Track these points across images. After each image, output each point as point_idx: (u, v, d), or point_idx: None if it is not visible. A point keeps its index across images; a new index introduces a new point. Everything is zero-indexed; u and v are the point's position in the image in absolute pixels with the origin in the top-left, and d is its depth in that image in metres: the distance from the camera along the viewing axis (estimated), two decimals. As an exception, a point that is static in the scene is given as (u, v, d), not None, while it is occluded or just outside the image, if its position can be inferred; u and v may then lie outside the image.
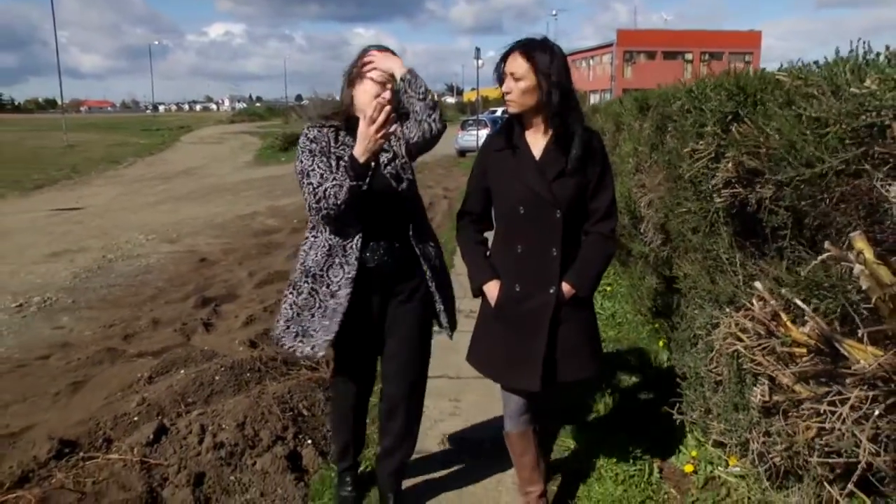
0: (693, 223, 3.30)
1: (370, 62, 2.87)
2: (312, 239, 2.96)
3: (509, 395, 2.95)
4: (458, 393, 4.51)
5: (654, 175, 4.12)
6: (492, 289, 2.87)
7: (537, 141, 2.76)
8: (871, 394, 1.88)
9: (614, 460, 3.50)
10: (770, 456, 2.40)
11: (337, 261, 2.90)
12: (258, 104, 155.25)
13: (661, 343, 4.84)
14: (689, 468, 3.39)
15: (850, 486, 1.84)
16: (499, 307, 2.86)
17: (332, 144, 2.89)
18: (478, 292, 2.95)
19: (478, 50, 25.62)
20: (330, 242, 2.90)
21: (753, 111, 2.58)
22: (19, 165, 24.78)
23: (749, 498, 3.05)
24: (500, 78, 2.73)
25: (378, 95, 2.82)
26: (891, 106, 1.56)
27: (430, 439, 3.93)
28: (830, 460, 1.99)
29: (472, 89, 56.41)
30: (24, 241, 10.62)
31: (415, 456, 3.44)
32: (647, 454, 3.55)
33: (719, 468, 3.30)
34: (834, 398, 1.97)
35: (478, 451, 3.82)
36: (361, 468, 3.50)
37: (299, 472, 3.60)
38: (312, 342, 2.95)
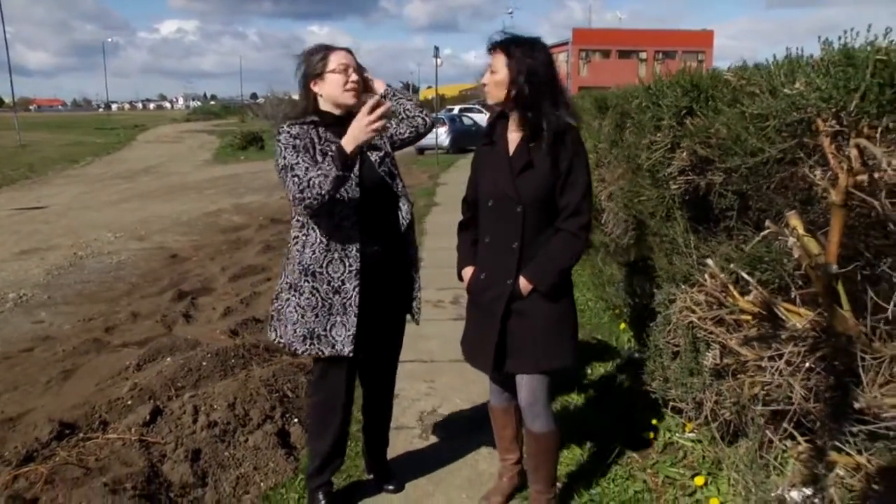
0: (651, 209, 3.61)
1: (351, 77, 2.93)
2: (304, 237, 2.94)
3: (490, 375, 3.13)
4: (432, 375, 4.78)
5: (615, 169, 4.44)
6: (466, 274, 3.03)
7: (515, 136, 2.82)
8: (802, 349, 2.20)
9: (582, 430, 3.80)
10: (721, 413, 2.71)
11: (336, 255, 2.90)
12: (213, 102, 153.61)
13: (622, 326, 5.17)
14: (650, 435, 3.71)
15: (785, 424, 2.15)
16: (469, 292, 3.03)
17: (317, 142, 2.90)
18: (460, 276, 3.10)
19: (437, 49, 25.80)
20: (327, 237, 2.90)
21: (706, 106, 2.89)
22: (-28, 165, 24.43)
23: (704, 457, 3.39)
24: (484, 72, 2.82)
25: (346, 83, 2.92)
26: (814, 104, 1.86)
27: (407, 416, 4.19)
28: (770, 408, 2.30)
29: (429, 87, 56.50)
30: (-10, 240, 10.64)
31: (395, 431, 3.71)
32: (611, 424, 3.86)
33: (677, 434, 3.63)
34: (773, 354, 2.29)
35: (453, 426, 4.10)
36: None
37: (288, 447, 3.84)
38: (331, 342, 2.95)
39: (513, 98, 2.72)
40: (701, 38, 61.09)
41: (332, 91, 2.93)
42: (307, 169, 2.77)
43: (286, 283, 3.02)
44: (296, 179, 2.75)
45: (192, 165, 25.61)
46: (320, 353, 2.99)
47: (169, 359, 4.86)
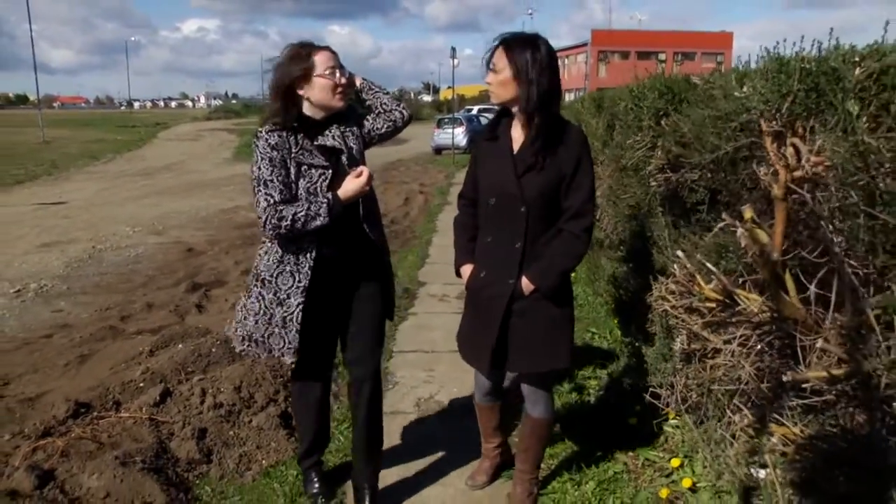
0: (635, 205, 3.80)
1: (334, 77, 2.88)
2: (269, 244, 2.95)
3: (478, 375, 3.22)
4: (432, 364, 4.98)
5: (606, 167, 4.63)
6: (465, 271, 3.03)
7: (519, 134, 2.81)
8: (755, 333, 2.38)
9: (571, 418, 3.98)
10: (689, 394, 2.90)
11: (287, 269, 2.90)
12: (234, 101, 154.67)
13: (615, 321, 5.34)
14: (633, 420, 3.89)
15: (736, 400, 2.33)
16: (468, 289, 3.04)
17: (293, 150, 2.85)
18: (457, 272, 3.10)
19: (454, 49, 26.04)
20: (282, 249, 2.90)
21: (679, 108, 3.08)
22: (-4, 161, 24.90)
23: (683, 441, 3.57)
24: (487, 69, 2.78)
25: (336, 87, 2.87)
26: (756, 107, 2.05)
27: (406, 402, 4.40)
28: (726, 388, 2.48)
29: (449, 87, 56.62)
30: (13, 233, 10.96)
31: (392, 416, 3.92)
32: (599, 412, 4.05)
33: (658, 420, 3.81)
34: (729, 338, 2.47)
35: (448, 410, 4.30)
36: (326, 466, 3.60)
37: (290, 428, 4.03)
38: (268, 347, 2.99)
39: (517, 97, 2.70)
40: (720, 40, 61.10)
41: (321, 95, 2.87)
42: (282, 191, 2.78)
43: (246, 282, 3.09)
44: (269, 199, 2.76)
45: (211, 163, 25.94)
46: (256, 356, 3.08)
47: (180, 345, 5.09)
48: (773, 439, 2.09)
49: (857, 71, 1.72)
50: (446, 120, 29.08)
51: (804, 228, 2.18)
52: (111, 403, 4.19)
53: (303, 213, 2.76)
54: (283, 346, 2.96)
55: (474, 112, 37.35)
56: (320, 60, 2.84)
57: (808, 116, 1.88)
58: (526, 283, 2.83)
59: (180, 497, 3.32)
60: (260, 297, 2.95)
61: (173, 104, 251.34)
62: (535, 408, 3.09)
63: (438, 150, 27.57)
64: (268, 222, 2.76)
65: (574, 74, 62.80)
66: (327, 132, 2.94)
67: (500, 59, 2.71)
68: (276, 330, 2.95)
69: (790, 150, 2.05)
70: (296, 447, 3.84)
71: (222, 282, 7.58)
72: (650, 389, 3.61)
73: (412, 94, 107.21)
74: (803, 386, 2.05)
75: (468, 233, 3.08)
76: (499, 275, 2.87)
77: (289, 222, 2.75)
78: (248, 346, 3.05)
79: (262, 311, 2.95)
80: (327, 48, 2.92)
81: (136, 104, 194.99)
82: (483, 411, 3.38)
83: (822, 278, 2.16)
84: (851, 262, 1.88)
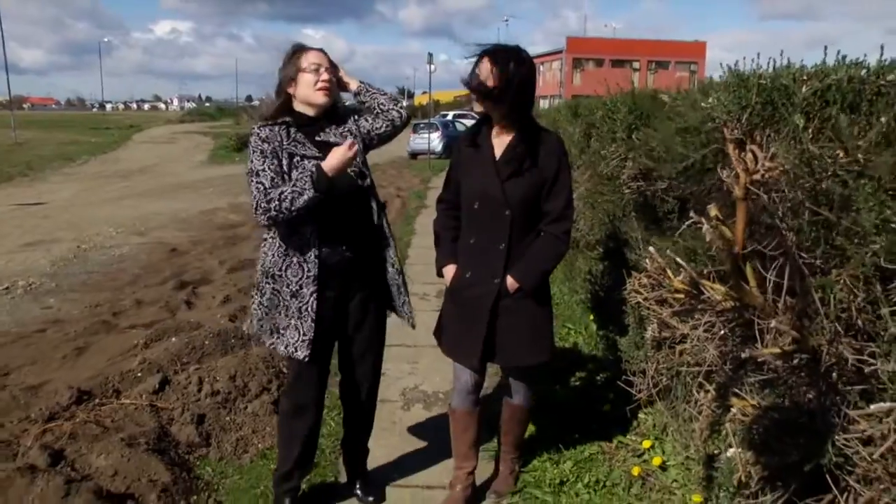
0: (611, 210, 4.08)
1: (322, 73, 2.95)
2: (270, 240, 2.99)
3: (459, 374, 3.21)
4: (416, 357, 5.23)
5: (583, 173, 4.92)
6: (448, 272, 3.13)
7: (501, 141, 2.94)
8: (719, 319, 2.65)
9: (549, 406, 4.25)
10: (660, 379, 3.17)
11: (294, 260, 2.93)
12: (208, 104, 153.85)
13: (591, 316, 5.62)
14: (607, 407, 4.16)
15: (700, 379, 2.60)
16: (452, 289, 3.14)
17: (285, 142, 2.92)
18: (440, 273, 3.20)
19: (430, 55, 26.29)
20: (286, 242, 2.93)
21: (648, 123, 3.36)
22: (-31, 162, 24.76)
23: (654, 425, 3.84)
24: (471, 77, 2.86)
25: (316, 82, 2.92)
26: (720, 116, 2.32)
27: (392, 391, 4.65)
28: (693, 369, 2.75)
29: (424, 93, 56.82)
30: (-5, 232, 11.05)
31: (380, 404, 4.12)
32: (575, 400, 4.32)
33: (631, 406, 4.08)
34: (695, 324, 2.74)
35: (432, 399, 4.55)
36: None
37: (283, 415, 4.27)
38: (285, 341, 2.99)
39: (498, 104, 2.84)
40: (694, 49, 61.97)
41: (303, 91, 2.95)
42: (272, 179, 2.84)
43: (254, 281, 3.12)
44: (261, 188, 2.82)
45: (187, 166, 26.00)
46: (274, 348, 3.07)
47: (174, 338, 5.28)
48: (733, 411, 2.36)
49: (804, 88, 2.00)
50: (422, 125, 29.29)
51: (761, 225, 2.46)
52: (111, 391, 4.37)
53: (289, 191, 2.78)
54: (298, 339, 2.96)
55: (450, 118, 37.58)
56: (304, 59, 2.94)
57: (764, 126, 2.15)
58: (511, 282, 2.96)
59: (183, 476, 3.53)
60: (276, 293, 2.98)
61: (146, 106, 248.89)
62: (516, 396, 3.29)
63: (414, 155, 27.72)
64: (258, 207, 2.82)
65: (549, 81, 63.39)
66: (328, 129, 3.01)
67: (484, 70, 2.81)
68: (293, 322, 2.97)
69: (749, 155, 2.33)
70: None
71: (208, 280, 7.76)
72: (623, 378, 3.89)
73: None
74: (760, 362, 2.33)
75: (449, 235, 3.18)
76: (483, 275, 2.99)
77: (277, 202, 2.77)
78: (277, 338, 3.03)
79: (280, 304, 2.98)
80: (317, 49, 3.02)
81: (109, 106, 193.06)
82: (460, 416, 3.29)
83: (777, 268, 2.44)
84: (801, 253, 2.16)
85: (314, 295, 2.93)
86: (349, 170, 2.93)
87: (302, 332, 2.96)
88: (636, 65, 60.03)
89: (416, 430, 4.15)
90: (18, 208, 14.05)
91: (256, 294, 3.07)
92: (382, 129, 3.16)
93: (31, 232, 11.13)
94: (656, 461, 3.48)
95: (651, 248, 3.19)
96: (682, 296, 3.05)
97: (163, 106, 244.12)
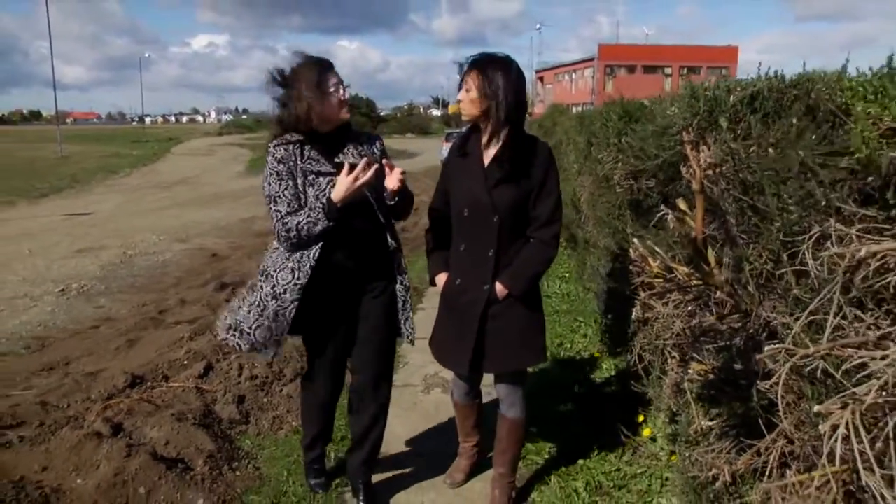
0: (607, 209, 4.49)
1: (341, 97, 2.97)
2: (277, 244, 3.08)
3: (457, 376, 3.41)
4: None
5: (588, 177, 5.34)
6: (440, 279, 3.20)
7: (489, 149, 2.99)
8: (685, 297, 3.06)
9: (551, 382, 4.67)
10: (644, 354, 3.57)
11: (290, 265, 2.98)
12: (245, 116, 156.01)
13: (597, 309, 6.03)
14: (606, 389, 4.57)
15: (669, 349, 3.01)
16: (443, 296, 3.22)
17: (299, 161, 2.97)
18: (433, 282, 3.29)
19: (460, 66, 26.71)
20: (290, 248, 3.00)
21: (634, 127, 3.77)
22: (19, 175, 25.78)
23: (650, 402, 4.23)
24: (460, 88, 2.96)
25: (340, 102, 2.96)
26: (679, 123, 2.73)
27: (414, 378, 5.10)
28: (665, 341, 3.15)
29: (458, 102, 57.21)
30: (48, 240, 11.75)
31: (402, 388, 4.60)
32: (577, 377, 4.74)
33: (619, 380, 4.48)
34: (667, 301, 3.15)
35: (448, 384, 4.98)
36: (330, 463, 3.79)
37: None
38: (250, 339, 3.04)
39: (486, 114, 2.90)
40: (725, 54, 61.77)
41: (330, 112, 2.97)
42: (289, 203, 2.92)
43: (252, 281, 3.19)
44: (278, 215, 2.91)
45: (225, 177, 26.76)
46: (236, 346, 3.11)
47: (216, 332, 5.79)
48: (691, 372, 2.77)
49: (732, 97, 2.41)
50: (454, 134, 29.72)
51: (714, 214, 2.87)
52: (161, 377, 4.88)
53: (304, 221, 2.88)
54: (269, 338, 3.06)
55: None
56: (328, 81, 2.97)
57: (710, 129, 2.56)
58: (500, 288, 3.01)
59: (226, 446, 3.99)
60: (259, 289, 3.05)
61: (184, 119, 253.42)
62: (510, 409, 3.25)
63: (445, 163, 28.11)
64: (279, 235, 2.95)
65: (580, 88, 63.65)
66: (346, 150, 3.06)
67: (473, 79, 2.88)
68: (266, 322, 3.02)
69: (702, 154, 2.74)
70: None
71: (247, 281, 8.25)
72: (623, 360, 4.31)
73: (421, 109, 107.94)
74: (715, 331, 2.74)
75: (441, 243, 3.25)
76: (473, 281, 3.05)
77: (295, 231, 2.88)
78: (232, 334, 3.10)
79: (256, 303, 3.03)
80: (326, 65, 3.02)
81: (148, 119, 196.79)
82: (462, 409, 3.56)
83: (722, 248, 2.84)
84: (741, 234, 2.56)
85: (295, 304, 2.99)
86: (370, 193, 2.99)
87: (273, 333, 3.05)
88: (668, 70, 60.01)
89: (433, 410, 4.58)
90: (68, 218, 14.78)
91: (245, 289, 3.18)
92: (391, 199, 3.09)
93: (81, 239, 11.79)
94: (646, 433, 3.87)
95: (634, 240, 3.63)
96: (659, 280, 3.47)
97: (201, 118, 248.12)
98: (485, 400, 3.74)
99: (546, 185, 2.99)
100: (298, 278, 2.96)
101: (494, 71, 2.85)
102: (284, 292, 2.97)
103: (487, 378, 3.41)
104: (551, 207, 3.01)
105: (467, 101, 2.93)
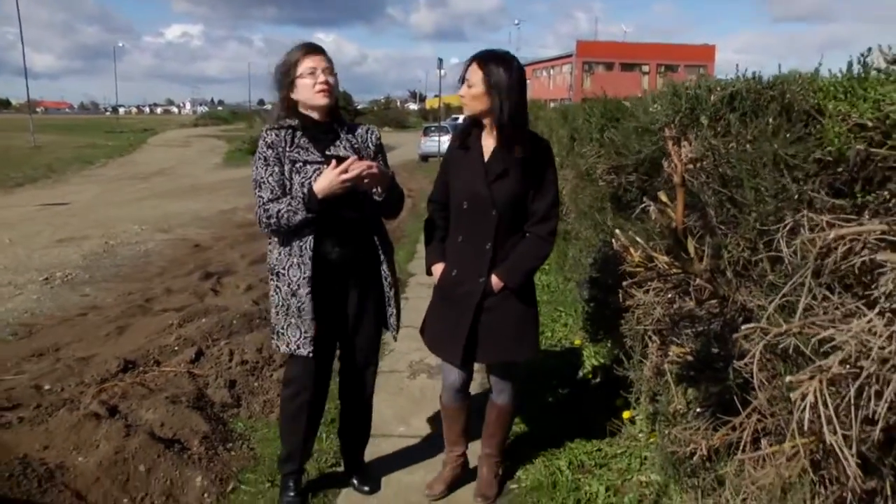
0: (589, 202, 4.66)
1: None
2: (274, 239, 3.09)
3: (447, 374, 3.34)
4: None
5: (570, 171, 5.50)
6: (436, 270, 3.23)
7: (489, 144, 3.03)
8: (665, 285, 3.23)
9: (535, 369, 4.83)
10: (625, 340, 3.74)
11: (295, 260, 2.99)
12: (220, 108, 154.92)
13: (578, 298, 6.20)
14: (588, 375, 4.74)
15: (651, 333, 3.18)
16: (439, 287, 3.25)
17: (288, 148, 2.99)
18: (429, 272, 3.30)
19: (440, 60, 27.02)
20: (288, 242, 3.01)
21: (615, 125, 3.94)
22: (-8, 165, 25.51)
23: (630, 387, 4.41)
24: (462, 81, 2.98)
25: (314, 85, 2.96)
26: (661, 119, 2.89)
27: (400, 364, 5.24)
28: (645, 326, 3.32)
29: (435, 96, 57.33)
30: (28, 230, 11.75)
31: (388, 374, 4.75)
32: (560, 364, 4.91)
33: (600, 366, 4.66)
34: (648, 289, 3.32)
35: (435, 371, 5.11)
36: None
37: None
38: (286, 340, 3.08)
39: (489, 109, 2.93)
40: (703, 53, 62.33)
41: (303, 95, 2.99)
42: (272, 191, 2.95)
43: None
44: (261, 201, 2.95)
45: (203, 168, 26.70)
46: (278, 349, 3.16)
47: (204, 319, 5.89)
48: (671, 355, 2.94)
49: (712, 97, 2.57)
50: (433, 128, 29.83)
51: (693, 206, 3.04)
52: (153, 361, 4.98)
53: (284, 210, 2.90)
54: (300, 337, 3.06)
55: (460, 120, 38.08)
56: (301, 64, 3.00)
57: (691, 126, 2.73)
58: (495, 281, 3.07)
59: (220, 428, 4.11)
60: (277, 290, 3.08)
61: (159, 110, 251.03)
62: (500, 396, 3.35)
63: (425, 158, 28.11)
64: (260, 220, 2.98)
65: (559, 85, 63.96)
66: (338, 142, 3.10)
67: (475, 74, 2.91)
68: (293, 321, 3.05)
69: (684, 150, 2.91)
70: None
71: (232, 271, 8.37)
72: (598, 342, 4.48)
73: (398, 103, 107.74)
74: (694, 316, 2.91)
75: (439, 234, 3.28)
76: (469, 273, 3.09)
77: (275, 219, 2.91)
78: (273, 339, 3.17)
79: (280, 303, 3.07)
80: (316, 52, 3.05)
81: (122, 110, 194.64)
82: (451, 413, 3.44)
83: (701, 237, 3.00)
84: (720, 225, 2.73)
85: (309, 296, 3.01)
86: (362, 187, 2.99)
87: (302, 331, 3.05)
88: (645, 68, 60.48)
89: (419, 394, 4.73)
90: (45, 208, 14.74)
91: (273, 296, 3.15)
92: (379, 196, 3.13)
93: (62, 229, 11.79)
94: (626, 415, 4.04)
95: (617, 231, 3.79)
96: (640, 269, 3.64)
97: (176, 110, 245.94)
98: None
99: (545, 181, 3.06)
100: (304, 272, 2.99)
101: (497, 66, 2.89)
102: (298, 287, 3.01)
103: (476, 384, 3.49)
104: (549, 204, 3.07)
105: (469, 96, 2.97)
